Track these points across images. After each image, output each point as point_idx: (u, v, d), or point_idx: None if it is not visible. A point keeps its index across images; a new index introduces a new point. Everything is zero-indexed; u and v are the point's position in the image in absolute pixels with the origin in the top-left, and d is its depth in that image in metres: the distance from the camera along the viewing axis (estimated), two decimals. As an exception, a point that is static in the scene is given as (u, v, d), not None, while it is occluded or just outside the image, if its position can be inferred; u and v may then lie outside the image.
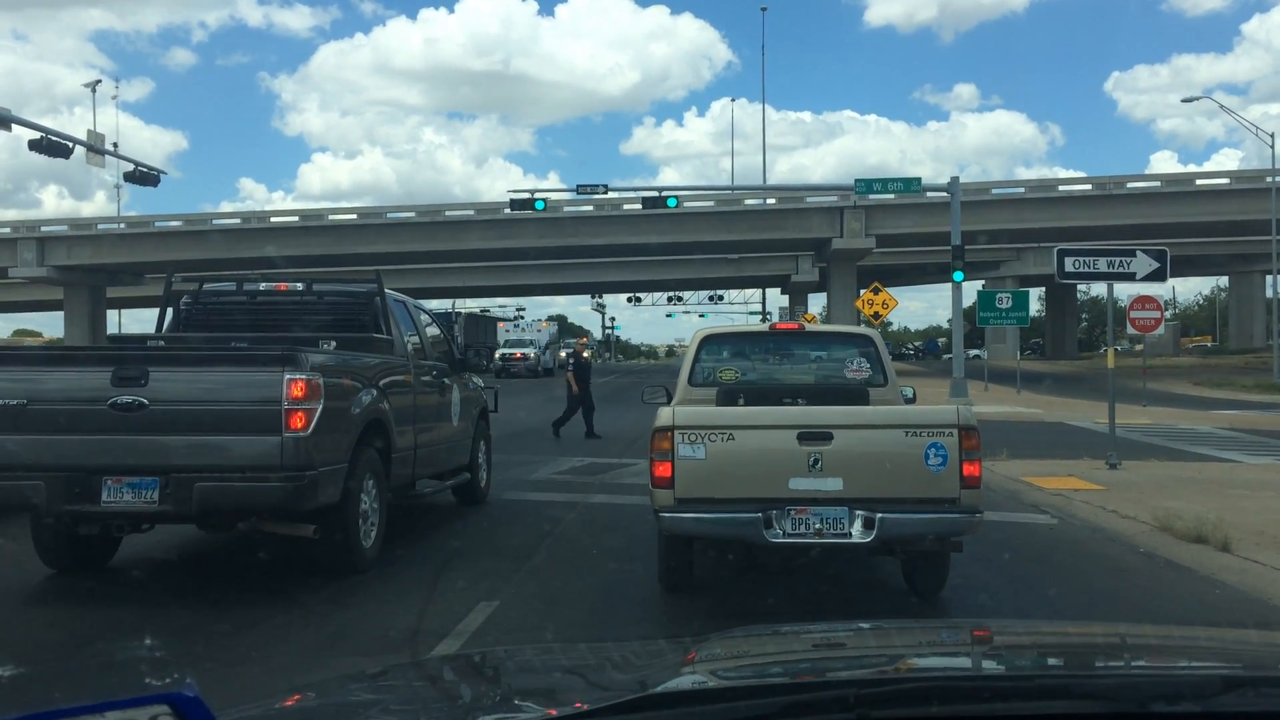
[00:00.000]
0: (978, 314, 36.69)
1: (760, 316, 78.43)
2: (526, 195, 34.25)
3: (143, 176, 30.42)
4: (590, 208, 48.09)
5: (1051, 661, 1.96)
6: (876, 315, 31.42)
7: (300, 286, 9.69)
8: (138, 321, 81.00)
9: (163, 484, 6.81)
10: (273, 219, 53.16)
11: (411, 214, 51.71)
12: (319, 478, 6.95)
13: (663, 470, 6.47)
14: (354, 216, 52.71)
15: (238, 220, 53.56)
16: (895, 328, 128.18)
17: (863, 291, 33.83)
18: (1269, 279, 55.44)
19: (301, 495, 6.86)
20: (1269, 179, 41.81)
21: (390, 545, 8.15)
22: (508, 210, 37.68)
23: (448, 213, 51.70)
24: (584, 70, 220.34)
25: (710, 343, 8.82)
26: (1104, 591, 7.38)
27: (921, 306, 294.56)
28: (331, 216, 52.80)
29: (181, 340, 9.02)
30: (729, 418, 6.71)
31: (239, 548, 8.44)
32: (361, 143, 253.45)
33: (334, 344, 8.43)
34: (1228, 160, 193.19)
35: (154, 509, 6.89)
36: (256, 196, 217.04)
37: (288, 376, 6.87)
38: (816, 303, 69.06)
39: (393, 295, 9.61)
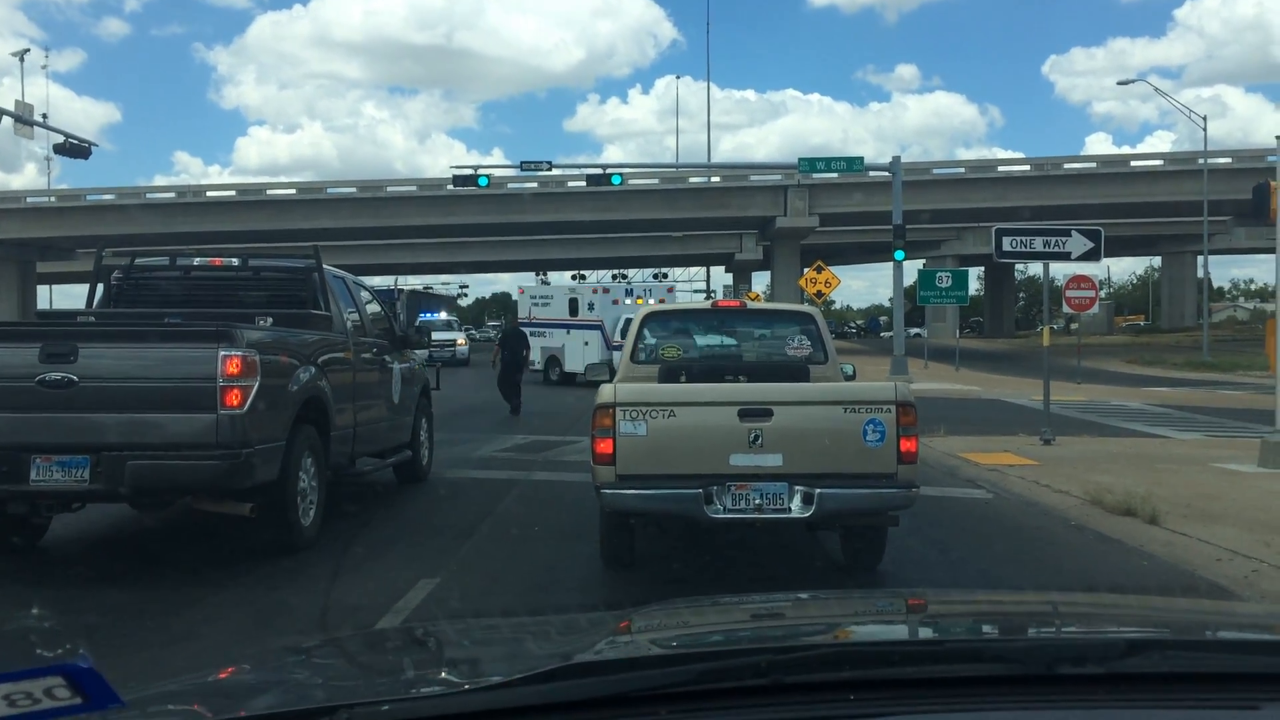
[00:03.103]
0: (918, 293, 37.13)
1: (705, 295, 78.68)
2: (470, 171, 33.96)
3: (73, 149, 29.61)
4: (534, 185, 47.80)
5: (969, 627, 2.01)
6: (819, 294, 31.69)
7: (236, 262, 9.52)
8: (69, 297, 79.00)
9: (94, 462, 6.68)
10: (209, 193, 52.07)
11: (352, 189, 51.02)
12: (255, 456, 6.85)
13: (604, 447, 6.49)
14: (293, 192, 51.86)
15: (172, 194, 52.47)
16: (838, 306, 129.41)
17: (806, 270, 34.08)
18: (1200, 259, 56.83)
19: (237, 473, 6.77)
20: (1200, 161, 42.82)
21: (330, 523, 8.08)
22: (451, 186, 37.39)
23: (389, 188, 51.09)
24: (529, 46, 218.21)
25: (652, 320, 8.83)
26: (1036, 563, 7.55)
27: (864, 285, 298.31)
28: (270, 191, 51.89)
29: (112, 316, 8.82)
30: (670, 395, 6.75)
31: (174, 527, 8.31)
32: (300, 116, 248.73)
33: (270, 320, 8.30)
34: (1161, 143, 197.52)
35: (84, 488, 6.76)
36: (192, 170, 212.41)
37: (222, 353, 6.76)
38: (761, 281, 69.56)
39: (331, 271, 9.47)
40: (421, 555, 7.46)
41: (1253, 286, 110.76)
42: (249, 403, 6.81)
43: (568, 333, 28.73)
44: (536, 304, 30.50)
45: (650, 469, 6.49)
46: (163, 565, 7.25)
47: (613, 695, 1.33)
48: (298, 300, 9.03)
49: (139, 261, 9.58)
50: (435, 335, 34.17)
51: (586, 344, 27.98)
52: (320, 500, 7.91)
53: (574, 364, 27.74)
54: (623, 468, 6.47)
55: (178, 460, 6.74)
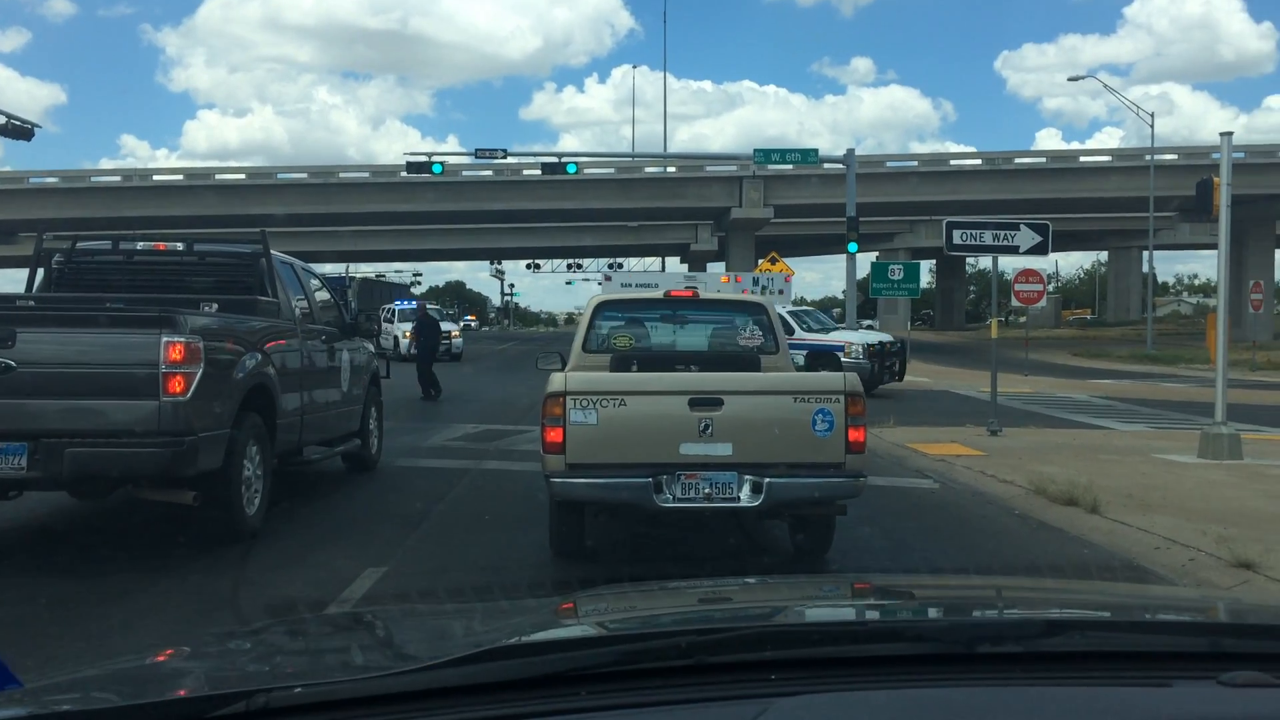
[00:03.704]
0: (871, 285, 37.34)
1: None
2: (424, 158, 33.70)
3: (16, 130, 28.89)
4: (489, 173, 47.49)
5: (896, 609, 2.05)
6: (773, 284, 31.83)
7: (180, 246, 9.35)
8: (10, 282, 77.36)
9: (31, 449, 6.54)
10: (155, 177, 51.07)
11: (304, 175, 50.31)
12: (199, 443, 6.75)
13: (554, 436, 6.48)
14: (243, 176, 51.01)
15: (118, 178, 51.37)
16: (793, 297, 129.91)
17: (760, 261, 34.23)
18: (1145, 254, 57.87)
19: (180, 461, 6.66)
20: (1147, 158, 43.56)
21: (276, 512, 7.99)
22: (404, 173, 37.03)
23: (342, 174, 50.47)
24: (484, 33, 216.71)
25: (605, 309, 8.82)
26: (980, 551, 7.66)
27: (818, 277, 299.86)
28: (219, 176, 51.00)
29: (53, 300, 8.63)
30: (621, 383, 6.75)
31: (114, 515, 8.16)
32: (251, 100, 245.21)
33: (216, 306, 8.17)
34: (1110, 139, 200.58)
35: (21, 475, 6.62)
36: (139, 154, 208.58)
37: (165, 339, 6.65)
38: (717, 271, 69.66)
39: (279, 257, 9.35)
40: (369, 544, 7.40)
41: (1196, 281, 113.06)
42: (192, 389, 6.70)
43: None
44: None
45: (600, 458, 6.50)
46: (102, 554, 7.12)
47: (532, 677, 1.33)
48: (244, 286, 8.90)
49: (81, 245, 9.38)
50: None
51: None
52: (266, 489, 7.81)
53: None
54: (573, 456, 6.46)
55: (119, 448, 6.62)
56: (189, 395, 6.69)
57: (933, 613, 1.88)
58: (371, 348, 11.75)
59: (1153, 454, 12.74)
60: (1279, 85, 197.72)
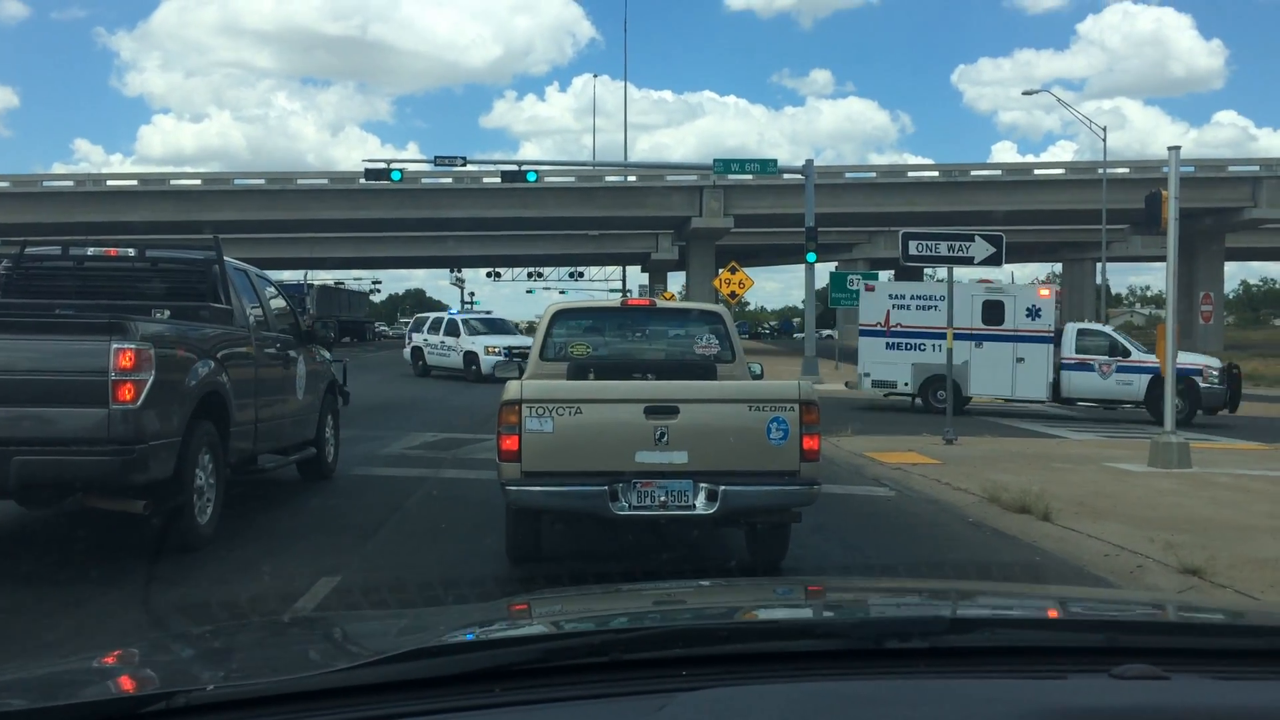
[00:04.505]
0: (830, 295, 37.75)
1: (621, 294, 78.84)
2: (383, 165, 33.48)
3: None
4: (449, 180, 47.37)
5: (816, 607, 2.11)
6: (733, 294, 32.01)
7: (132, 252, 9.22)
8: (-41, 288, 75.74)
9: (-23, 458, 6.41)
10: (109, 182, 50.40)
11: (261, 181, 49.82)
12: (149, 452, 6.66)
13: (510, 444, 6.49)
14: (198, 182, 50.51)
15: (71, 183, 50.67)
16: (753, 307, 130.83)
17: (721, 270, 34.39)
18: (1099, 266, 58.78)
19: (130, 470, 6.58)
20: (1100, 171, 44.29)
21: (229, 521, 7.90)
22: (363, 180, 36.75)
23: (300, 181, 50.07)
24: (445, 40, 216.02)
25: (562, 318, 8.83)
26: (934, 559, 7.73)
27: (778, 287, 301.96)
28: (174, 181, 50.46)
29: (0, 307, 8.48)
30: (577, 391, 6.77)
31: (64, 525, 8.03)
32: (208, 105, 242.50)
33: (168, 313, 8.08)
34: (1064, 152, 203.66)
35: (-34, 484, 6.49)
36: (93, 159, 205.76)
37: (115, 346, 6.56)
38: (676, 281, 69.94)
39: (233, 263, 9.25)
40: (323, 553, 7.33)
41: (1149, 293, 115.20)
42: (143, 397, 6.62)
43: (977, 345, 21.21)
44: (901, 306, 22.04)
45: (556, 466, 6.51)
46: (51, 564, 7.00)
47: (450, 675, 1.36)
48: (197, 293, 8.80)
49: (30, 251, 9.23)
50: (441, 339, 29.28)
51: (1021, 360, 21.24)
52: (219, 498, 7.73)
53: (984, 385, 21.49)
54: (528, 464, 6.47)
55: (67, 456, 6.52)
56: (139, 403, 6.60)
57: (847, 611, 1.94)
58: (329, 355, 11.65)
59: (1104, 462, 12.94)
60: (1228, 101, 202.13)
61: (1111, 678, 1.35)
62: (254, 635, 2.13)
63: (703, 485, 6.50)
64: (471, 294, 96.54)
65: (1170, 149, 13.81)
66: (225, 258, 8.93)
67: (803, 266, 33.14)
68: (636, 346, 8.93)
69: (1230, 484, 11.17)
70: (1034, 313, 21.54)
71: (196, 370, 7.44)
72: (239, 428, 8.22)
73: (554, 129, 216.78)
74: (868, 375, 21.98)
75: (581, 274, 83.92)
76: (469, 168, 36.00)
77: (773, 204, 47.70)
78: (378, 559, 7.31)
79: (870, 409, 21.49)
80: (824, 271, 52.27)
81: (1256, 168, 48.76)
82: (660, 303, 10.40)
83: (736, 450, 6.60)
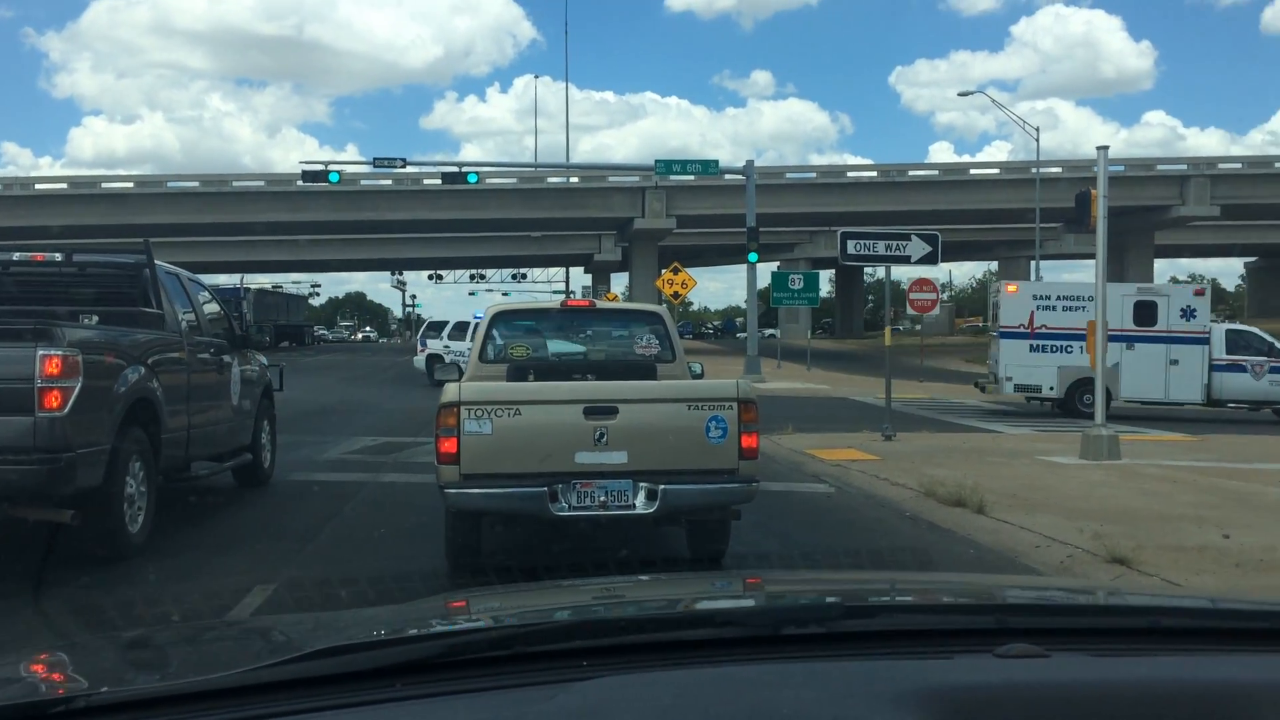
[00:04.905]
0: (772, 295, 38.06)
1: (564, 295, 78.74)
2: (320, 167, 33.08)
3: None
4: (389, 182, 46.93)
5: (727, 598, 2.16)
6: (676, 295, 32.13)
7: (59, 257, 9.02)
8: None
9: (-104, 470, 6.23)
10: (38, 186, 49.25)
11: (195, 183, 49.02)
12: (77, 460, 6.53)
13: (448, 446, 6.46)
14: (130, 185, 49.50)
15: (-2, 186, 49.33)
16: (696, 307, 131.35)
17: (664, 271, 34.49)
18: (1033, 264, 59.91)
19: (57, 479, 6.44)
20: (1034, 170, 45.16)
21: (162, 530, 7.75)
22: (300, 182, 36.30)
23: (235, 183, 49.33)
24: (383, 41, 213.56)
25: (502, 319, 8.80)
26: (871, 553, 7.83)
27: (721, 287, 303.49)
28: (105, 185, 49.34)
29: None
30: (515, 393, 6.77)
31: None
32: (140, 107, 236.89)
33: (96, 319, 7.91)
34: (999, 153, 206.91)
35: (-115, 497, 6.31)
36: (21, 162, 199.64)
37: (41, 353, 6.42)
38: (619, 282, 69.95)
39: (164, 267, 9.08)
40: (259, 561, 7.23)
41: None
42: (70, 405, 6.48)
43: (1129, 347, 20.84)
44: (1046, 307, 21.45)
45: (495, 468, 6.50)
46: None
47: (352, 672, 1.38)
48: (127, 298, 8.63)
49: (-49, 256, 8.99)
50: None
51: (1175, 363, 21.06)
52: (150, 506, 7.58)
53: (1136, 388, 21.12)
54: (467, 467, 6.46)
55: (-9, 466, 6.36)
56: (66, 410, 6.46)
57: (750, 600, 1.99)
58: (264, 360, 11.48)
59: (1037, 456, 13.21)
60: (1157, 101, 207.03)
61: (995, 657, 1.41)
62: (170, 638, 2.12)
63: (642, 485, 6.54)
64: (413, 297, 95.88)
65: (1099, 149, 14.12)
66: (156, 261, 8.77)
67: (745, 266, 33.32)
68: (576, 347, 8.94)
69: (1158, 475, 11.46)
70: (1188, 313, 21.31)
71: (126, 376, 7.30)
72: (171, 434, 8.08)
73: (495, 130, 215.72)
74: (1010, 379, 21.25)
75: (524, 275, 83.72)
76: (409, 169, 35.69)
77: (715, 204, 47.95)
78: (314, 565, 7.22)
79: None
80: (766, 271, 52.77)
81: (1184, 166, 50.10)
82: (600, 304, 10.41)
83: (676, 449, 6.65)
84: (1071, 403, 20.85)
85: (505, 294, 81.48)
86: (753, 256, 32.23)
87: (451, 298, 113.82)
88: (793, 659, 1.46)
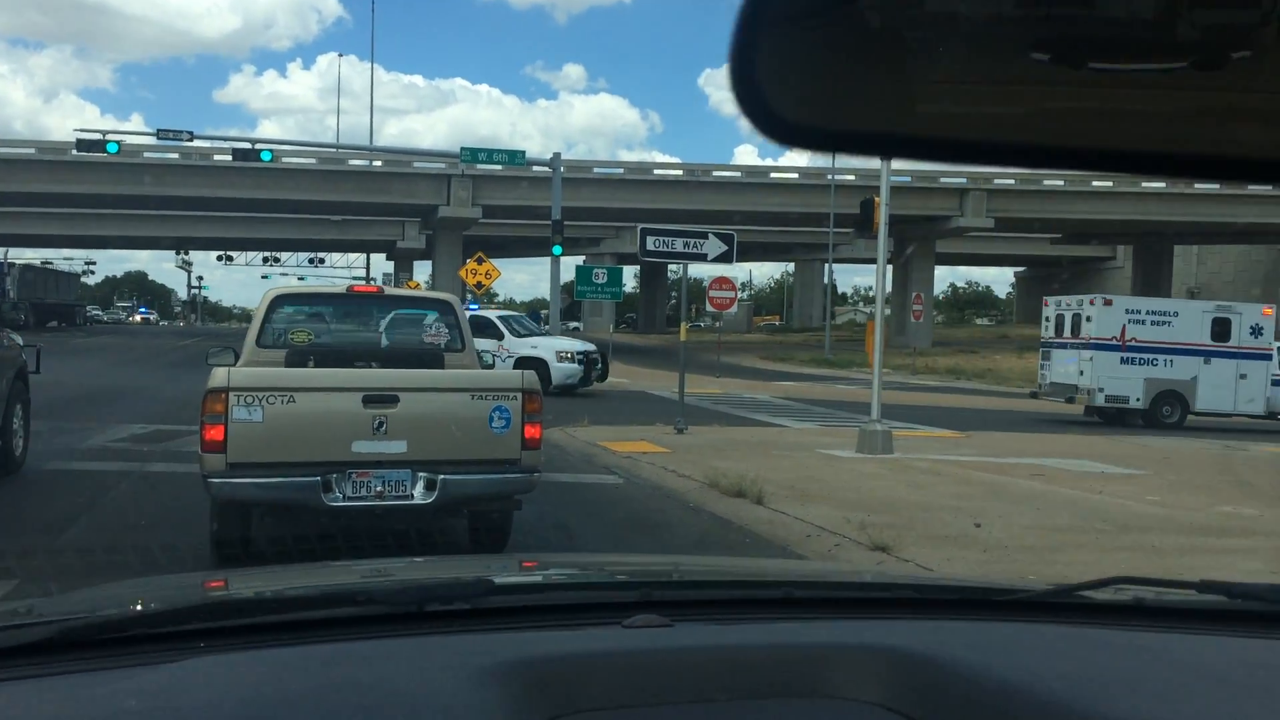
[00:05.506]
0: (576, 288, 38.17)
1: (365, 281, 76.54)
2: (98, 136, 30.98)
3: None
4: (176, 156, 44.27)
5: (394, 576, 2.24)
6: (480, 285, 31.81)
7: None
8: None
9: None
10: None
11: (-47, 148, 44.82)
12: None
13: (214, 434, 6.19)
14: (-126, 146, 44.79)
15: None
16: (502, 298, 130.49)
17: (468, 261, 34.05)
18: (826, 266, 62.60)
19: None
20: (829, 177, 47.16)
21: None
22: (75, 151, 33.81)
23: (1, 150, 45.42)
24: (176, 8, 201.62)
25: (281, 303, 8.46)
26: (651, 543, 7.98)
27: (527, 279, 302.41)
28: None
29: None
30: (290, 379, 6.55)
31: None
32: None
33: None
34: (799, 158, 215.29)
35: None
36: None
37: None
38: (423, 270, 68.65)
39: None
40: (1, 555, 6.68)
41: (870, 293, 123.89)
42: None
43: (1206, 361, 21.81)
44: (1137, 321, 22.01)
45: (265, 457, 6.27)
46: None
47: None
48: None
49: None
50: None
51: (1244, 377, 22.03)
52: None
53: (1210, 401, 21.96)
54: (234, 455, 6.19)
55: None
56: None
57: (399, 579, 2.08)
58: (19, 339, 10.61)
59: (818, 449, 13.80)
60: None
61: (623, 628, 1.51)
62: None
63: (421, 474, 6.44)
64: (200, 278, 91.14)
65: (883, 160, 14.88)
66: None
67: (550, 259, 33.33)
68: (363, 334, 8.71)
69: (925, 468, 12.18)
70: (1257, 330, 22.35)
71: None
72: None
73: (296, 108, 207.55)
74: (1101, 390, 21.64)
75: (323, 260, 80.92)
76: (196, 143, 33.87)
77: (522, 196, 47.66)
78: (65, 560, 6.72)
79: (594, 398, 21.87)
80: (572, 265, 52.95)
81: (964, 180, 53.33)
82: (389, 290, 10.17)
83: (457, 439, 6.59)
84: (1155, 413, 21.61)
85: (301, 278, 78.56)
86: (557, 249, 32.33)
87: (244, 280, 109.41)
88: (431, 634, 1.51)
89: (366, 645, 1.44)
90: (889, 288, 52.98)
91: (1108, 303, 22.76)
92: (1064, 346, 22.64)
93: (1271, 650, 1.64)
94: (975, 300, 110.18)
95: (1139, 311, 22.41)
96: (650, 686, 1.36)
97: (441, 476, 6.43)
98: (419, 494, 6.44)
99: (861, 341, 51.63)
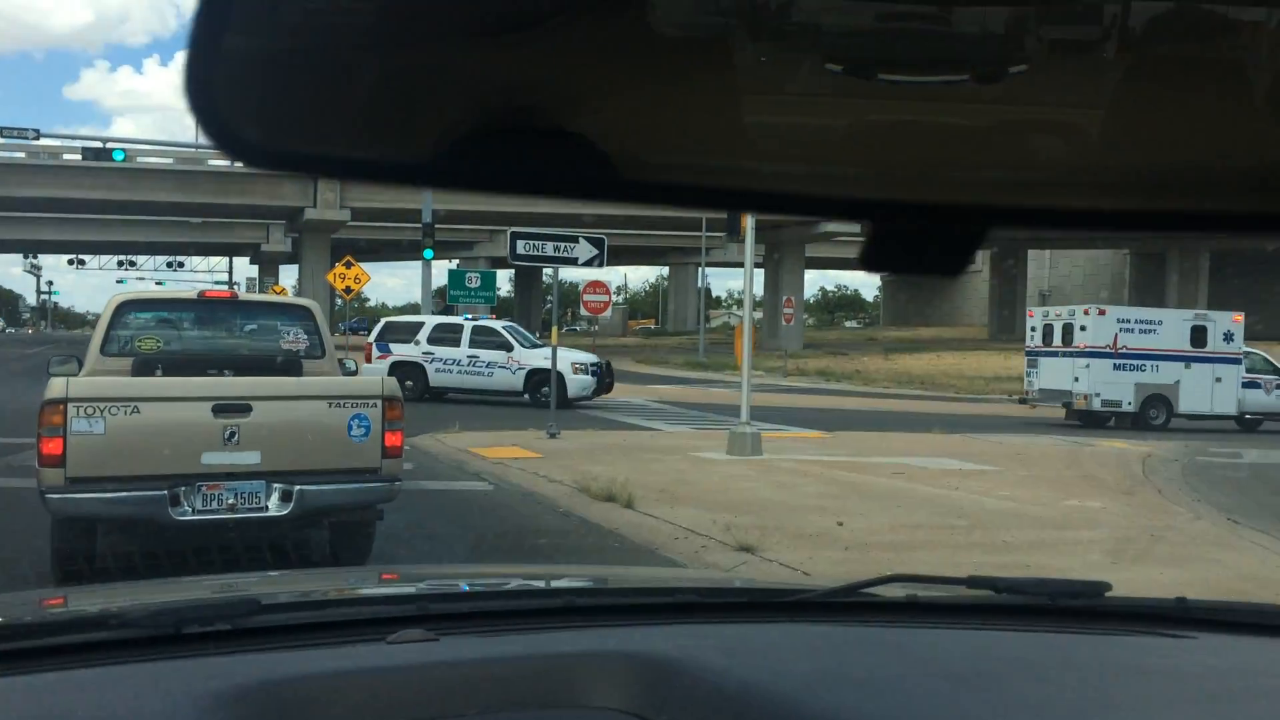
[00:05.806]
0: (449, 292, 37.70)
1: (227, 286, 74.06)
2: (-69, 132, 29.11)
3: None
4: (22, 154, 42.12)
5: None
6: (349, 289, 31.12)
7: None
8: None
9: None
10: None
11: None
12: None
13: (52, 448, 5.88)
14: None
15: None
16: (374, 303, 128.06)
17: (336, 265, 33.25)
18: (700, 270, 63.36)
19: None
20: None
21: None
22: (-94, 148, 31.76)
23: None
24: (21, 0, 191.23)
25: (127, 309, 8.08)
26: (520, 549, 7.92)
27: (400, 283, 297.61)
28: None
29: None
30: (134, 389, 6.28)
31: None
32: None
33: None
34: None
35: None
36: None
37: None
38: (290, 275, 66.79)
39: None
40: None
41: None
42: None
43: (1186, 366, 23.36)
44: (1128, 329, 23.42)
45: (108, 470, 5.99)
46: None
47: None
48: None
49: None
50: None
51: (1219, 380, 23.51)
52: None
53: (1191, 403, 23.43)
54: (74, 469, 5.89)
55: None
56: None
57: (157, 601, 2.03)
58: None
59: (690, 452, 13.93)
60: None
61: (387, 643, 1.50)
62: None
63: (276, 485, 6.25)
64: (50, 283, 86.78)
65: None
66: None
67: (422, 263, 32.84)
68: (216, 341, 8.39)
69: (792, 469, 12.42)
70: (1229, 336, 23.77)
71: None
72: None
73: (154, 106, 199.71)
74: (1097, 395, 22.73)
75: (182, 264, 77.89)
76: (43, 141, 32.21)
77: (392, 198, 46.67)
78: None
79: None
80: (445, 269, 52.27)
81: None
82: (244, 296, 9.84)
83: (315, 448, 6.42)
84: (1143, 416, 22.85)
85: (159, 283, 75.59)
86: (428, 253, 31.93)
87: (97, 285, 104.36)
88: (188, 657, 1.48)
89: (102, 671, 1.41)
90: (760, 291, 54.02)
91: (1101, 312, 24.11)
92: (1054, 354, 23.86)
93: (1023, 642, 1.71)
94: (845, 303, 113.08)
95: (1129, 320, 23.82)
96: (408, 702, 1.35)
97: (298, 487, 6.25)
98: (274, 506, 6.24)
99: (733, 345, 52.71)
